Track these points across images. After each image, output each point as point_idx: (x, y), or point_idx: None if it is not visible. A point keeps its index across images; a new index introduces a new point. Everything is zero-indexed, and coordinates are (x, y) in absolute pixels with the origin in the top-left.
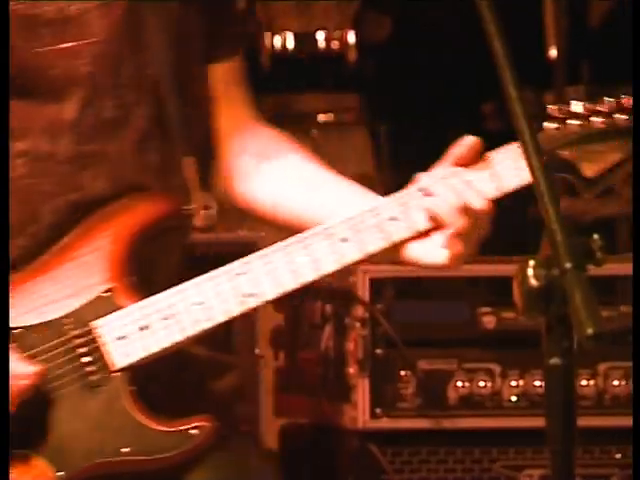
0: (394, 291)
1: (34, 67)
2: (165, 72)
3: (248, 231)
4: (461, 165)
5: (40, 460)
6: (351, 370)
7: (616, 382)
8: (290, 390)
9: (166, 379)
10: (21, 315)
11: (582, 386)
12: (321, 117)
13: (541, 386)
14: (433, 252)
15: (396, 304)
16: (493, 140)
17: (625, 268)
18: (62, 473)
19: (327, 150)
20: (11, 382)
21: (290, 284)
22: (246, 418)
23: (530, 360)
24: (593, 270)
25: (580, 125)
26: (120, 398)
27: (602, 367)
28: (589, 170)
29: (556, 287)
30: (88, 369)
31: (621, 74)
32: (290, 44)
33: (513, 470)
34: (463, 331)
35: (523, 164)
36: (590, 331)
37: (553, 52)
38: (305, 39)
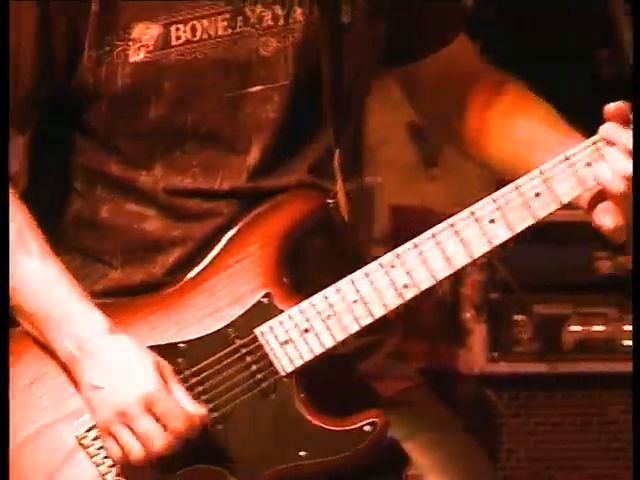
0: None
1: (223, 112)
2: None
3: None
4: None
5: (220, 474)
6: (467, 315)
7: None
8: (406, 334)
9: (326, 379)
10: (183, 329)
11: None
12: None
13: None
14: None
15: (512, 249)
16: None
17: None
18: None
19: None
20: (180, 420)
21: (444, 272)
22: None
23: None
24: None
25: None
26: (292, 403)
27: None
28: None
29: None
30: (258, 377)
31: None
32: None
33: (631, 414)
34: (579, 276)
35: None
36: None
37: None
38: None
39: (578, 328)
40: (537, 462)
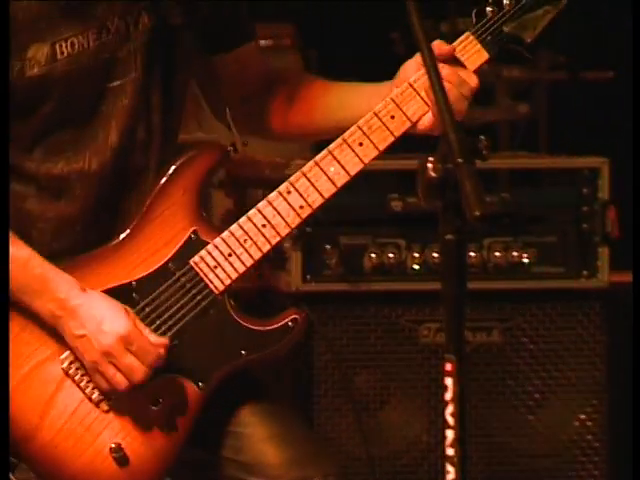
0: None
1: (92, 104)
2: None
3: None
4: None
5: (182, 379)
6: (286, 245)
7: (497, 253)
8: None
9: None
10: (131, 271)
11: (470, 257)
12: (262, 42)
13: (438, 257)
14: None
15: None
16: (400, 62)
17: (504, 163)
18: (202, 384)
19: None
20: (153, 354)
21: (331, 190)
22: None
23: (429, 236)
24: (480, 164)
25: (509, 3)
26: (228, 314)
27: (486, 242)
28: (528, 37)
29: (450, 178)
30: (198, 298)
31: None
32: None
33: (415, 324)
34: (376, 213)
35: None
36: (477, 213)
37: None
38: None
39: (375, 255)
40: (342, 362)
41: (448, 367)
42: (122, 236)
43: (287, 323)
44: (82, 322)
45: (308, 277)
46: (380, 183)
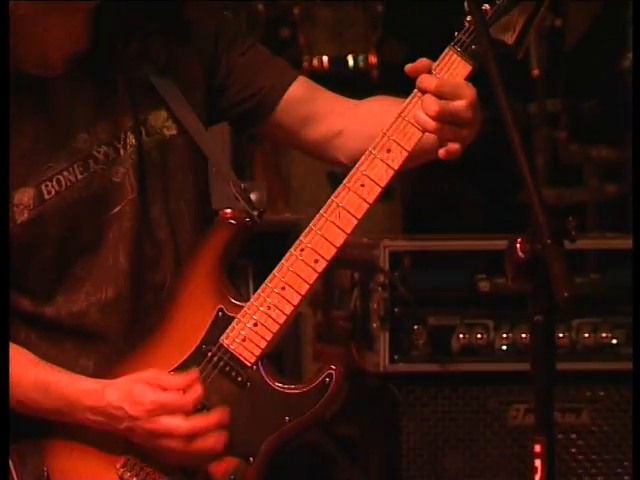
0: (409, 262)
1: (96, 234)
2: None
3: (291, 214)
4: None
5: (231, 458)
6: (374, 325)
7: (586, 334)
8: (326, 340)
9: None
10: (168, 361)
11: (559, 338)
12: None
13: (527, 338)
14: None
15: (411, 272)
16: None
17: (593, 244)
18: (252, 459)
19: None
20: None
21: (340, 240)
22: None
23: (518, 317)
24: (568, 245)
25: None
26: (265, 383)
27: (575, 322)
28: (509, 38)
29: (539, 259)
30: (233, 374)
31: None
32: (326, 65)
33: (504, 405)
34: (464, 294)
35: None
36: (566, 294)
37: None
38: (338, 61)
39: (463, 336)
40: (430, 443)
41: (537, 448)
42: (152, 335)
43: (323, 380)
44: (118, 417)
45: (396, 357)
46: (468, 263)
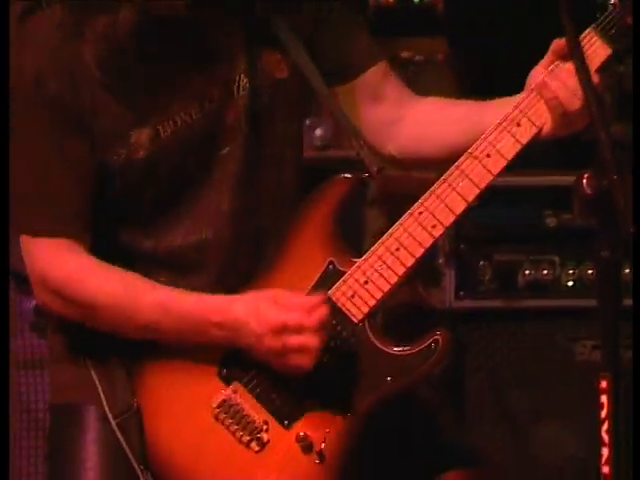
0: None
1: (204, 173)
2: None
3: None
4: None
5: (328, 413)
6: (440, 261)
7: None
8: None
9: (391, 315)
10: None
11: (625, 274)
12: (416, 58)
13: (593, 274)
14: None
15: (477, 208)
16: None
17: None
18: (350, 415)
19: (420, 85)
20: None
21: (461, 206)
22: None
23: (584, 253)
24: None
25: None
26: (370, 341)
27: None
28: None
29: (606, 194)
30: (338, 328)
31: None
32: None
33: (570, 341)
34: (530, 230)
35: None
36: (632, 229)
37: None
38: None
39: (530, 272)
40: (495, 379)
41: (603, 384)
42: (254, 281)
43: (430, 345)
44: (243, 333)
45: (461, 294)
46: (535, 199)
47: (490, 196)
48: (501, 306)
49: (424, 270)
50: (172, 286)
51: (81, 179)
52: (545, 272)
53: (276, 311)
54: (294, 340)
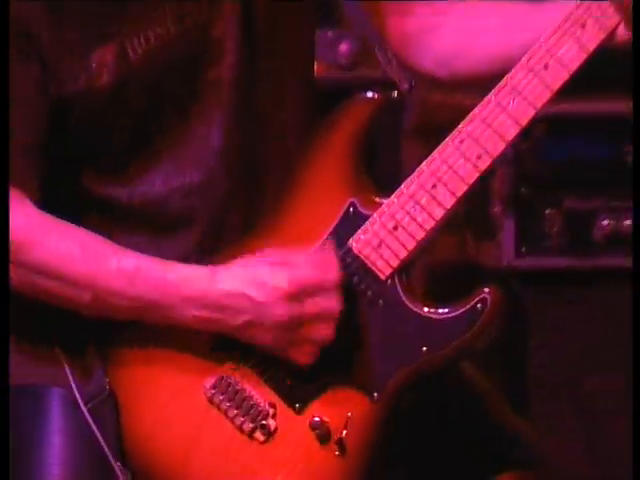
0: (542, 129)
1: (188, 100)
2: None
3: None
4: None
5: (349, 392)
6: (496, 209)
7: None
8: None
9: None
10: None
11: None
12: None
13: None
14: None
15: (543, 142)
16: None
17: None
18: (376, 394)
19: None
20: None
21: (512, 131)
22: None
23: None
24: None
25: None
26: (401, 302)
27: None
28: None
29: None
30: (362, 287)
31: None
32: None
33: None
34: (609, 169)
35: None
36: None
37: None
38: None
39: (607, 222)
40: (563, 358)
41: None
42: (257, 230)
43: (475, 305)
44: (236, 309)
45: (523, 250)
46: (614, 131)
47: (560, 127)
48: (572, 265)
49: (475, 220)
50: (153, 247)
51: (27, 115)
52: (627, 223)
53: (284, 272)
54: (312, 305)
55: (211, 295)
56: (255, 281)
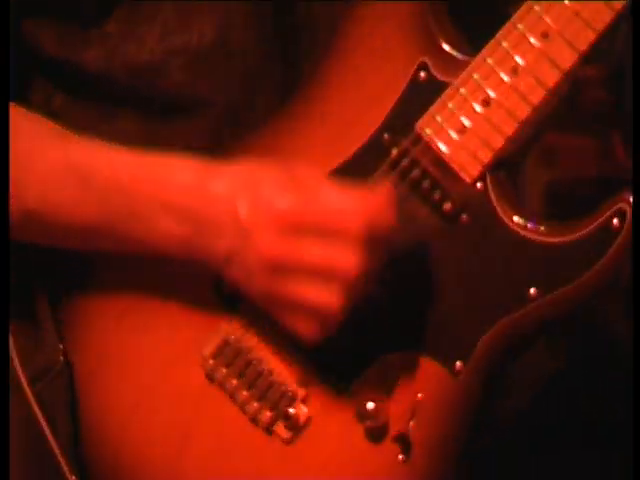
0: None
1: None
2: None
3: None
4: None
5: (418, 360)
6: None
7: None
8: (565, 127)
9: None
10: (325, 149)
11: None
12: None
13: None
14: None
15: None
16: None
17: None
18: (459, 364)
19: None
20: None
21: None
22: None
23: None
24: None
25: None
26: (496, 219)
27: None
28: None
29: None
30: (435, 197)
31: None
32: None
33: None
34: None
35: None
36: None
37: None
38: None
39: None
40: None
41: None
42: (288, 111)
43: (607, 221)
44: (218, 226)
45: None
46: None
47: None
48: None
49: (625, 113)
50: (141, 138)
51: None
52: None
53: (295, 191)
54: (317, 251)
55: (196, 197)
56: (251, 191)
